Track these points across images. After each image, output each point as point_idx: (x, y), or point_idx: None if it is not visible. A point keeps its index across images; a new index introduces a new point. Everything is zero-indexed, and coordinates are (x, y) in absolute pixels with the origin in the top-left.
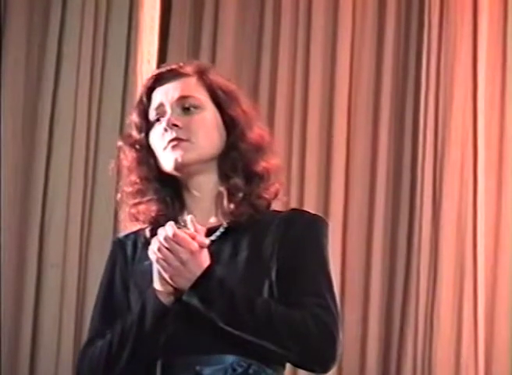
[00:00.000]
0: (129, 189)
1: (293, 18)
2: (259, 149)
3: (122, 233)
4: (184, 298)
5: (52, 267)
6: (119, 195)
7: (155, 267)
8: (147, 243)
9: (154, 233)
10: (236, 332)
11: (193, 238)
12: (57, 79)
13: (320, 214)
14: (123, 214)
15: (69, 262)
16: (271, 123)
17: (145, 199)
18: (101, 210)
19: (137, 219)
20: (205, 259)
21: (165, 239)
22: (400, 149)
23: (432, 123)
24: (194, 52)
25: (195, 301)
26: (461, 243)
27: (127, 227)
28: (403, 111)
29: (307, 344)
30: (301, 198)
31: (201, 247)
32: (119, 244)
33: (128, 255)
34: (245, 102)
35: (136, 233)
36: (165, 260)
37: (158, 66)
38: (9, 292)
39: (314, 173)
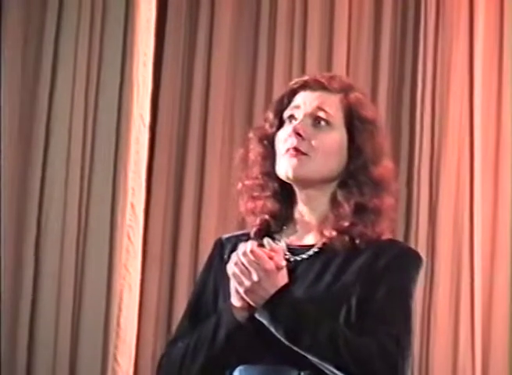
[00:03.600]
0: (249, 182)
1: (289, 18)
2: (377, 186)
3: (226, 235)
4: (256, 315)
5: (48, 277)
6: (239, 185)
7: (232, 282)
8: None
9: (260, 235)
10: (301, 352)
11: (271, 258)
12: (53, 81)
13: None
14: (241, 207)
15: (65, 272)
16: None
17: (264, 195)
18: (98, 218)
19: (253, 213)
20: (282, 279)
21: (243, 255)
22: (396, 151)
23: (429, 125)
24: (190, 54)
25: (265, 320)
26: (458, 244)
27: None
28: (399, 113)
29: (368, 372)
30: None
31: (278, 268)
32: (219, 246)
33: (225, 258)
34: (379, 135)
35: (238, 236)
36: (240, 276)
37: (154, 69)
38: (6, 301)
39: None
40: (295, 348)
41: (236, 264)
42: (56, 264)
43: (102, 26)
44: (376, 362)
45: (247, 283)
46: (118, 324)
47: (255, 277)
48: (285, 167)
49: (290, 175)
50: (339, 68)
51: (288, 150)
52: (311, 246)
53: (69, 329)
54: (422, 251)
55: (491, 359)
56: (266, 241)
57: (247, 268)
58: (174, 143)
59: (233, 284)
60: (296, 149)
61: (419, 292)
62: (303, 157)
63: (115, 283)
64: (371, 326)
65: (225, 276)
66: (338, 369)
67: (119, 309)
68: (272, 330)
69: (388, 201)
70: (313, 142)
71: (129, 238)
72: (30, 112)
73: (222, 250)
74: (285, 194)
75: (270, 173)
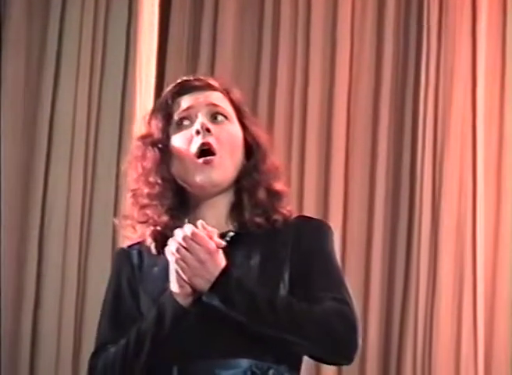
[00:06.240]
0: (146, 190)
1: (292, 19)
2: (275, 173)
3: (125, 245)
4: (204, 298)
5: (52, 274)
6: (130, 194)
7: (173, 269)
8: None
9: (158, 250)
10: (259, 329)
11: (211, 238)
12: (57, 78)
13: (319, 216)
14: (135, 215)
15: (69, 268)
16: (270, 125)
17: (164, 202)
18: (101, 212)
19: (147, 220)
20: (221, 260)
21: (184, 239)
22: (399, 151)
23: (431, 125)
24: (194, 53)
25: (216, 302)
26: (461, 244)
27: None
28: (402, 112)
29: (330, 335)
30: (300, 200)
31: (218, 247)
32: (123, 254)
33: (134, 263)
34: (262, 128)
35: (139, 243)
36: (183, 260)
37: (158, 67)
38: (9, 293)
39: (314, 175)
40: (253, 326)
41: (177, 250)
42: (59, 261)
43: (106, 22)
44: (336, 327)
45: (193, 265)
46: None
47: (200, 260)
48: (201, 179)
49: (209, 183)
50: (343, 69)
51: (201, 146)
52: (226, 233)
53: (72, 325)
54: (425, 253)
55: (493, 359)
56: (200, 223)
57: (190, 252)
58: None
59: (174, 271)
60: (207, 143)
61: (421, 292)
62: (215, 161)
63: None
64: (314, 295)
65: (142, 278)
66: (301, 340)
67: None
68: (225, 311)
69: (285, 186)
70: (220, 136)
71: None
72: (33, 109)
73: (130, 257)
74: (177, 200)
75: (167, 179)
